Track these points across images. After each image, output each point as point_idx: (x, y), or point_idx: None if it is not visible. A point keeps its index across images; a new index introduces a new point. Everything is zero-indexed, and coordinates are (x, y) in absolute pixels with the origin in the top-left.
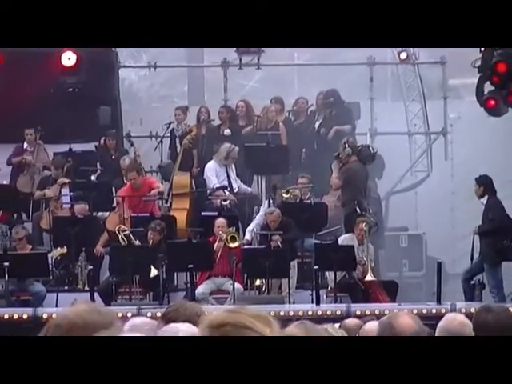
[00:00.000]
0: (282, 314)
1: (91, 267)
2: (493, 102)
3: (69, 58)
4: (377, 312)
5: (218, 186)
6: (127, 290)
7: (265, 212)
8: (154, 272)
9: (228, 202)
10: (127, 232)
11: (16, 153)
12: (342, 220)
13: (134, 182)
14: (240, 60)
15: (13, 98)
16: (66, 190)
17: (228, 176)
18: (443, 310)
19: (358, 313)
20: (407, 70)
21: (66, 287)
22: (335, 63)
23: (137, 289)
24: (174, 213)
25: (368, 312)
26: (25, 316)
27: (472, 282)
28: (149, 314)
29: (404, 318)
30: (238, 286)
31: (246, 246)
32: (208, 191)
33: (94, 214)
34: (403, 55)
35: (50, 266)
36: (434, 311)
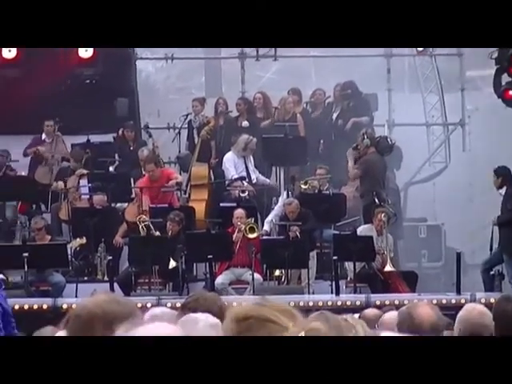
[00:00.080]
0: (301, 304)
1: (110, 258)
2: (510, 93)
3: (86, 49)
4: (396, 302)
5: (236, 176)
6: (146, 280)
7: (283, 203)
8: (172, 264)
9: (246, 193)
10: (147, 222)
11: (33, 144)
12: (361, 211)
13: (153, 173)
14: (257, 51)
15: (30, 90)
16: (84, 181)
17: (246, 167)
18: (463, 301)
19: (378, 303)
20: (424, 62)
21: (85, 278)
22: (352, 55)
23: (156, 279)
24: (192, 204)
25: (387, 302)
26: (44, 306)
27: (491, 273)
28: (168, 305)
29: (423, 307)
30: (257, 276)
31: (264, 237)
32: (226, 182)
33: (113, 204)
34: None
35: (70, 256)
36: (453, 301)
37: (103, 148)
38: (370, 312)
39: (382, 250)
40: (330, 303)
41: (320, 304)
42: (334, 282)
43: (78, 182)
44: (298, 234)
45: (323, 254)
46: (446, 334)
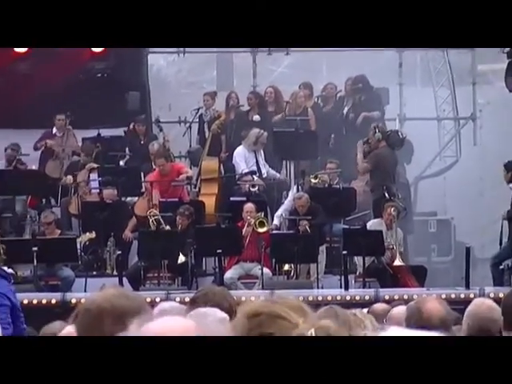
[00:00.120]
0: (310, 299)
1: (120, 252)
2: None
3: None
4: (405, 297)
5: (246, 171)
6: (156, 274)
7: (293, 197)
8: (181, 259)
9: (257, 187)
10: (158, 217)
11: (44, 138)
12: (371, 205)
13: (163, 168)
14: None
15: (41, 84)
16: (94, 175)
17: (257, 161)
18: (472, 295)
19: (387, 298)
20: (436, 56)
21: (94, 272)
22: (364, 49)
23: (165, 274)
24: (202, 198)
25: (396, 297)
26: (53, 301)
27: (501, 267)
28: (177, 299)
29: (432, 302)
30: (266, 270)
31: (274, 231)
32: (237, 176)
33: (123, 199)
34: None
35: (79, 250)
36: (462, 296)
37: (114, 142)
38: (379, 307)
39: (392, 245)
40: (339, 298)
41: (329, 299)
42: (343, 277)
43: (88, 176)
44: (307, 228)
45: (333, 249)
46: (454, 328)
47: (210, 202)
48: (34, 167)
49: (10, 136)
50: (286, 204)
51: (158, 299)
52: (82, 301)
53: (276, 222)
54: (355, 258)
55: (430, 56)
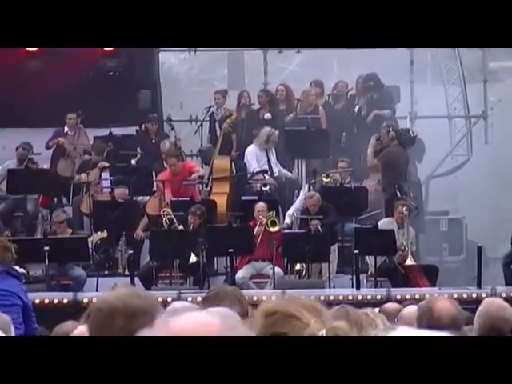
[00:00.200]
0: (322, 298)
1: (131, 251)
2: None
3: None
4: (417, 297)
5: (258, 170)
6: (167, 274)
7: (305, 196)
8: (193, 259)
9: (268, 186)
10: (171, 216)
11: (55, 137)
12: (383, 204)
13: (174, 167)
14: None
15: (53, 83)
16: (106, 174)
17: (268, 160)
18: (483, 295)
19: (398, 297)
20: (447, 54)
21: (106, 271)
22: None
23: (177, 273)
24: (214, 197)
25: (408, 296)
26: (65, 300)
27: None
28: (189, 299)
29: (443, 302)
30: (278, 270)
31: (286, 231)
32: (248, 175)
33: (134, 198)
34: None
35: (91, 250)
36: (474, 295)
37: (125, 141)
38: (390, 306)
39: (404, 246)
40: (350, 297)
41: (341, 298)
42: (354, 276)
43: (100, 175)
44: (319, 227)
45: (344, 248)
46: (465, 328)
47: (221, 201)
48: (45, 166)
49: (22, 135)
50: (298, 203)
51: (169, 299)
52: (94, 300)
53: (287, 221)
54: (367, 257)
55: (441, 54)
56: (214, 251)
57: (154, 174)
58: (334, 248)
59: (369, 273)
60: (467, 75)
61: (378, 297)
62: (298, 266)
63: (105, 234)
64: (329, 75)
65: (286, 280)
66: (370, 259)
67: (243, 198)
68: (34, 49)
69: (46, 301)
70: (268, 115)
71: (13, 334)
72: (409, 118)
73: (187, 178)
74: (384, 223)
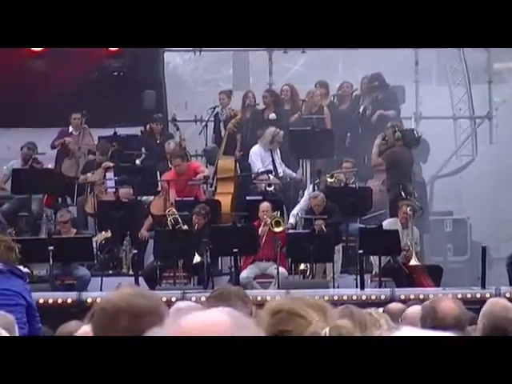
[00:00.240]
0: (326, 298)
1: (135, 251)
2: None
3: None
4: (421, 297)
5: (262, 170)
6: (171, 274)
7: (309, 196)
8: (196, 259)
9: (273, 186)
10: (176, 216)
11: (60, 136)
12: (387, 204)
13: (179, 168)
14: None
15: (57, 83)
16: (110, 174)
17: (273, 160)
18: (488, 295)
19: (403, 297)
20: (452, 54)
21: (110, 271)
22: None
23: (181, 273)
24: (218, 197)
25: (412, 296)
26: (69, 300)
27: None
28: (193, 299)
29: (446, 302)
30: (282, 270)
31: (290, 231)
32: (253, 175)
33: (139, 198)
34: None
35: (95, 250)
36: (478, 296)
37: (130, 141)
38: (394, 306)
39: (408, 246)
40: (354, 297)
41: (345, 298)
42: (359, 276)
43: (104, 175)
44: (323, 227)
45: (349, 248)
46: (469, 328)
47: (226, 201)
48: (50, 166)
49: (26, 135)
50: (302, 203)
51: (173, 299)
52: (98, 300)
53: (292, 221)
54: (371, 257)
55: (446, 55)
56: (219, 251)
57: (158, 174)
58: (339, 248)
59: (373, 273)
60: (472, 76)
61: (383, 297)
62: (302, 266)
63: (109, 233)
64: (334, 76)
65: (291, 280)
66: (374, 259)
67: (248, 198)
68: (39, 49)
69: (50, 300)
70: (273, 115)
71: (17, 334)
72: (414, 119)
73: (192, 178)
74: (388, 223)
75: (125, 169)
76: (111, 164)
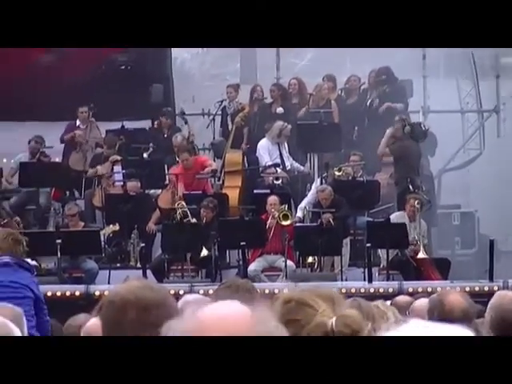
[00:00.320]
0: (334, 291)
1: (143, 244)
2: None
3: None
4: (429, 290)
5: (270, 163)
6: (179, 267)
7: (317, 190)
8: (204, 253)
9: (280, 179)
10: (185, 209)
11: (68, 130)
12: (395, 198)
13: (186, 162)
14: None
15: (65, 77)
16: (118, 168)
17: (280, 154)
18: (495, 288)
19: (410, 290)
20: (459, 49)
21: (118, 264)
22: None
23: (189, 266)
24: (226, 190)
25: (420, 290)
26: (77, 293)
27: None
28: (201, 292)
29: (454, 295)
30: (290, 263)
31: (298, 224)
32: (260, 169)
33: (146, 191)
34: None
35: (103, 243)
36: (486, 289)
37: (137, 134)
38: (402, 299)
39: (415, 240)
40: (362, 290)
41: (353, 291)
42: (366, 269)
43: (112, 169)
44: (331, 220)
45: (356, 241)
46: (477, 321)
47: (233, 195)
48: (57, 159)
49: (34, 128)
50: (310, 196)
51: (181, 292)
52: (106, 293)
53: (299, 214)
54: (379, 250)
55: (454, 49)
56: (226, 244)
57: (166, 167)
58: (346, 241)
59: (381, 266)
60: (480, 71)
61: (390, 290)
62: (310, 259)
63: (117, 227)
64: (341, 70)
65: (298, 273)
66: (382, 252)
67: (255, 191)
68: None
69: (58, 293)
70: (280, 109)
71: (25, 327)
72: (421, 112)
73: (200, 171)
74: (396, 217)
75: (132, 162)
76: (119, 157)
